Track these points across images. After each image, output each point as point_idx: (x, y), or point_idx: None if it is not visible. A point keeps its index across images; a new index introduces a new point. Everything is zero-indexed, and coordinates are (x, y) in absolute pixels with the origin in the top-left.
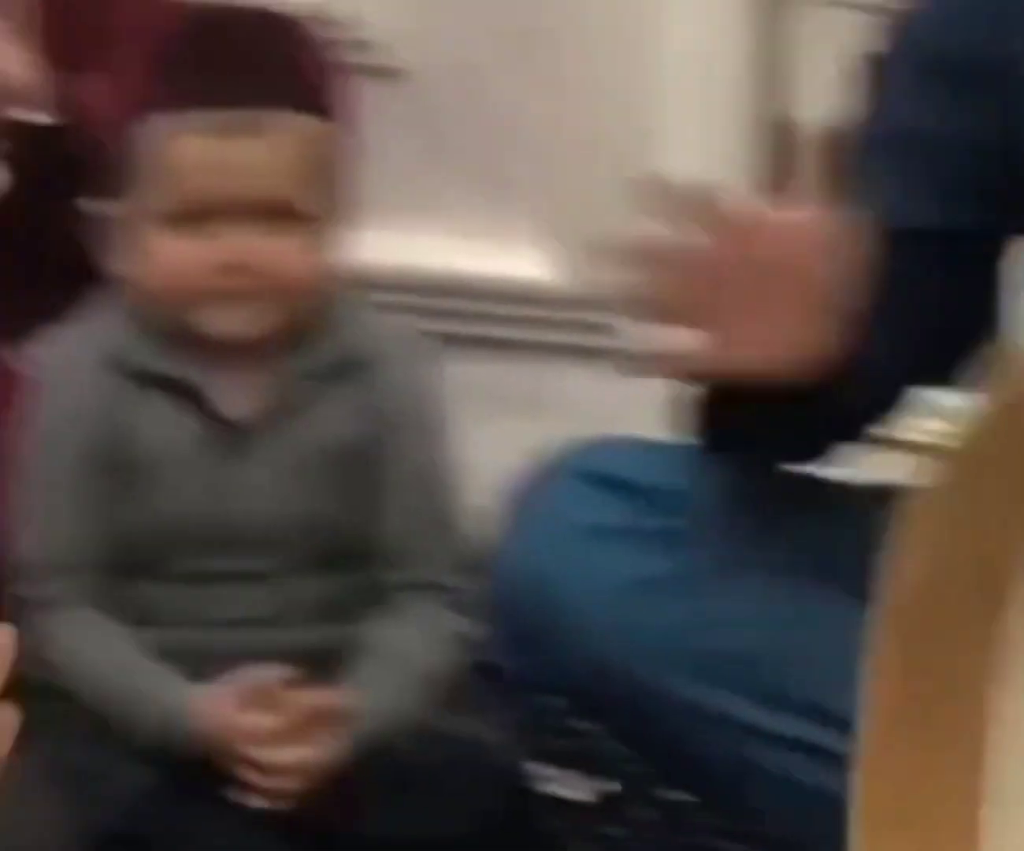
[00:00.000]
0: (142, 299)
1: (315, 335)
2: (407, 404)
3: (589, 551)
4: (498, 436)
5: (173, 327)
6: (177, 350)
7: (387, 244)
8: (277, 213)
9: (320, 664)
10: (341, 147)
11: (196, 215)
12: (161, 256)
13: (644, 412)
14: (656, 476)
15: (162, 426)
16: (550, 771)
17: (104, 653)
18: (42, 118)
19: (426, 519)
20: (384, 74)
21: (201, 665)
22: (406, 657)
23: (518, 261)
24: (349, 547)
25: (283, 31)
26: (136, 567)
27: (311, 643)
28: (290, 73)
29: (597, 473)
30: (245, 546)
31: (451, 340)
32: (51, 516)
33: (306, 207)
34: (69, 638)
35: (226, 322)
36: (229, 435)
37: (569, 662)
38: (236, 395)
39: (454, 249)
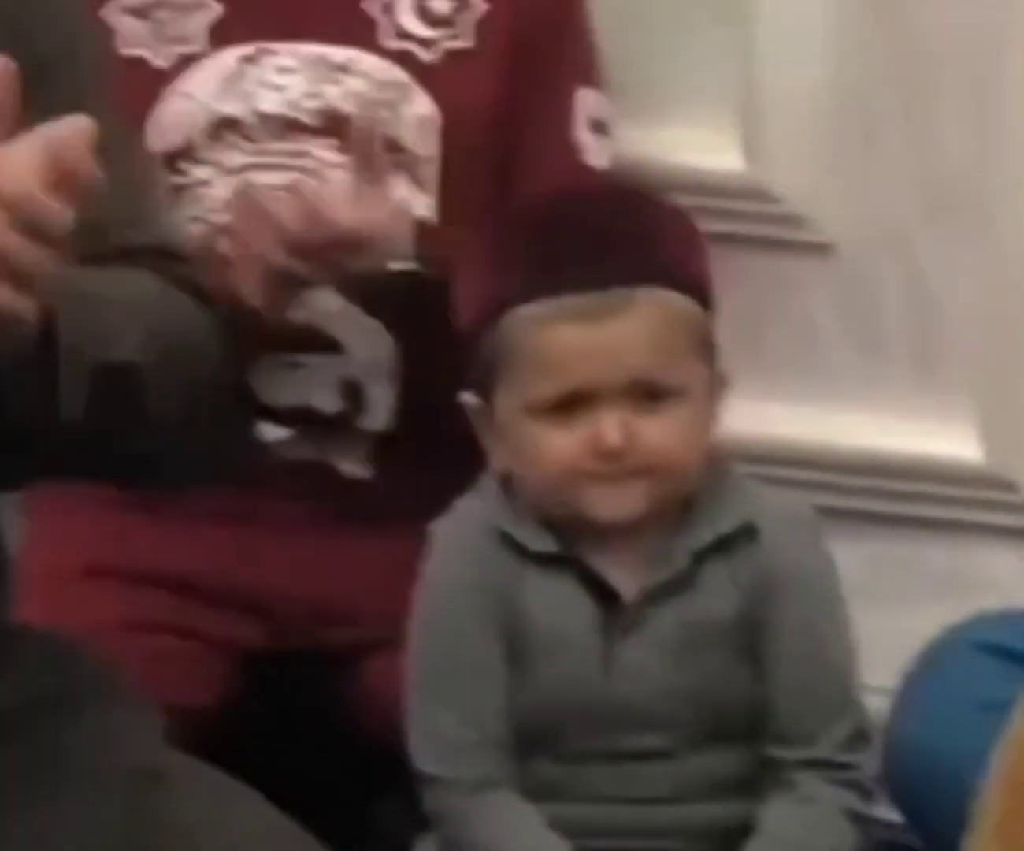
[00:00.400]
0: (523, 486)
1: (701, 508)
2: (794, 577)
3: (984, 726)
4: (921, 615)
5: (556, 511)
6: (562, 530)
7: (810, 419)
8: (650, 391)
9: (717, 841)
10: (709, 318)
11: (570, 401)
12: (538, 446)
13: None
14: None
15: (553, 604)
16: None
17: (523, 836)
18: (412, 267)
19: (819, 695)
20: (813, 249)
21: (589, 840)
22: (804, 841)
23: (945, 440)
24: (740, 723)
25: (641, 206)
26: (531, 745)
27: (708, 820)
28: (653, 249)
29: (998, 645)
30: (636, 725)
31: (871, 518)
32: (463, 689)
33: (679, 382)
34: (488, 819)
35: (609, 506)
36: (617, 612)
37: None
38: (623, 572)
39: (881, 428)
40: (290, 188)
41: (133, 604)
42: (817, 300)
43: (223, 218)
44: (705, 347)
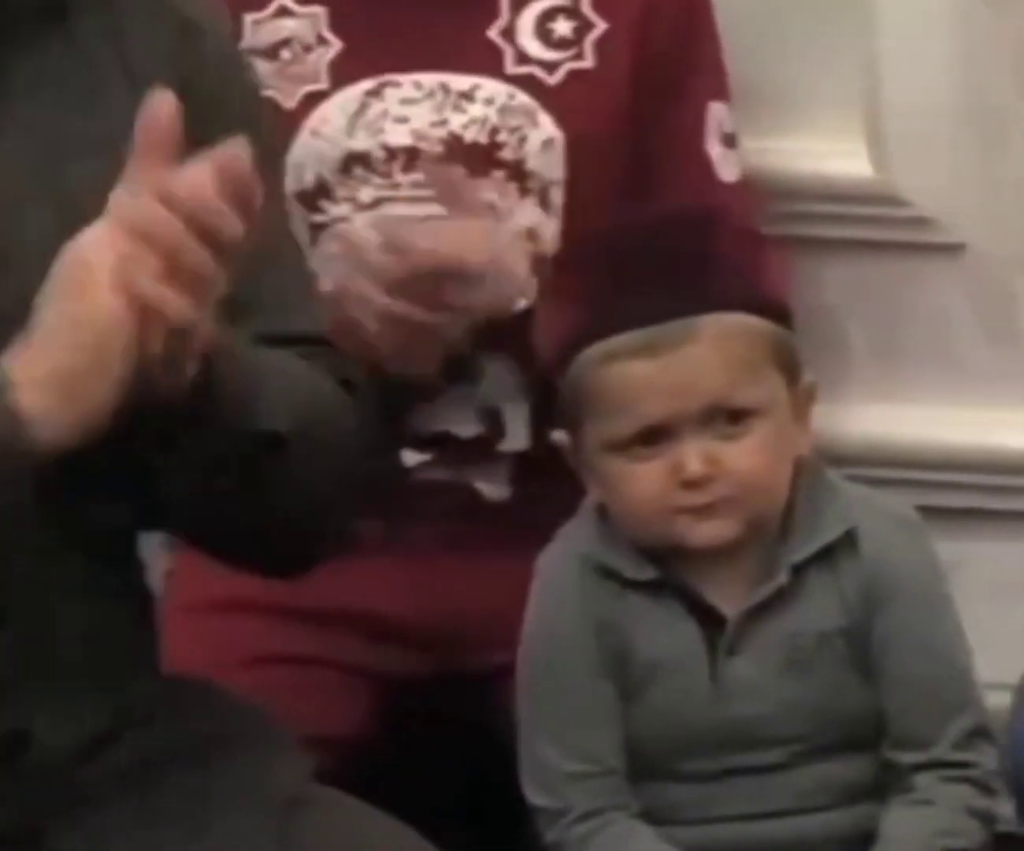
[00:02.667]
0: (617, 518)
1: (800, 519)
2: (899, 581)
3: None
4: None
5: (652, 542)
6: (660, 556)
7: (948, 420)
8: (729, 415)
9: (840, 849)
10: (783, 332)
11: (647, 436)
12: (623, 484)
13: None
14: None
15: (657, 630)
16: None
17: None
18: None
19: (933, 696)
20: (944, 250)
21: None
22: (925, 843)
23: None
24: (859, 731)
25: (701, 231)
26: (648, 770)
27: (832, 829)
28: (714, 274)
29: None
30: (750, 742)
31: (1020, 518)
32: (571, 723)
33: (756, 402)
34: (605, 843)
35: (703, 534)
36: (722, 632)
37: None
38: (724, 592)
39: (1019, 425)
40: (384, 235)
41: (276, 636)
42: (951, 301)
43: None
44: (782, 361)
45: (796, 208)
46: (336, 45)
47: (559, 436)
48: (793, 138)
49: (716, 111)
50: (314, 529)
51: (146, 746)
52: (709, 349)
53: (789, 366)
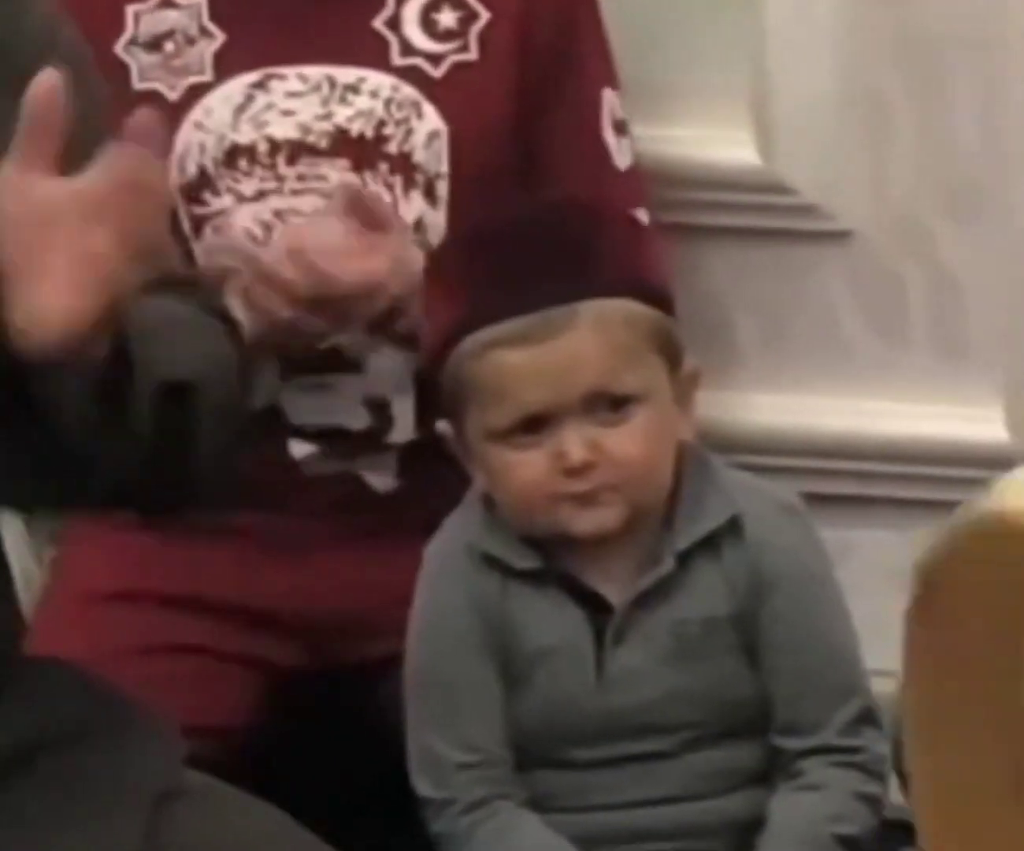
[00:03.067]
0: (502, 508)
1: (685, 507)
2: (783, 568)
3: None
4: None
5: (536, 531)
6: (545, 544)
7: (836, 408)
8: (610, 402)
9: (733, 836)
10: (663, 318)
11: (528, 425)
12: (506, 473)
13: None
14: None
15: (542, 619)
16: None
17: (524, 844)
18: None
19: (819, 683)
20: (830, 237)
21: (603, 848)
22: (812, 829)
23: (972, 423)
24: (747, 718)
25: (576, 219)
26: (534, 758)
27: (721, 816)
28: (589, 262)
29: None
30: (635, 730)
31: (903, 504)
32: (458, 713)
33: (637, 388)
34: (489, 835)
35: (587, 522)
36: (608, 621)
37: None
38: (610, 580)
39: (906, 413)
40: (291, 250)
41: (163, 627)
42: (837, 289)
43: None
44: (663, 347)
45: (684, 196)
46: (219, 37)
47: (443, 426)
48: (681, 126)
49: (609, 98)
50: (208, 472)
51: (5, 733)
52: (589, 336)
53: (670, 352)
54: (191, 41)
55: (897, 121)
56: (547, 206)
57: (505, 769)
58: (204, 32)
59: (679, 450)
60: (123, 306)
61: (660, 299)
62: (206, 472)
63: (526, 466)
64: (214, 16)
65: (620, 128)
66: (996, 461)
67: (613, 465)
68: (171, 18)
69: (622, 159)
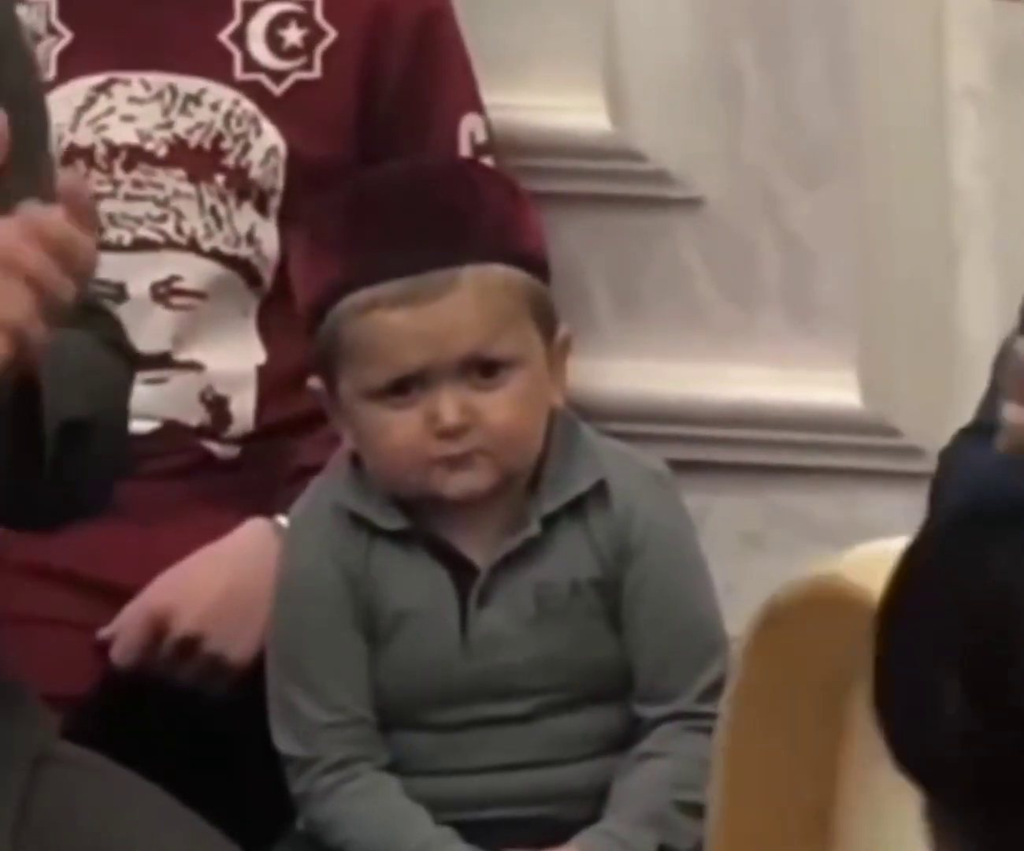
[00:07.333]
0: (372, 467)
1: (552, 471)
2: (648, 534)
3: None
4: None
5: (405, 491)
6: (412, 505)
7: (691, 374)
8: (485, 366)
9: (595, 801)
10: (540, 285)
11: (403, 385)
12: (378, 433)
13: None
14: None
15: (407, 580)
16: None
17: (379, 807)
18: None
19: (679, 650)
20: (683, 204)
21: (464, 811)
22: (654, 795)
23: (825, 388)
24: (611, 683)
25: (458, 182)
26: (396, 719)
27: (578, 782)
28: (470, 226)
29: None
30: (498, 693)
31: (755, 469)
32: (321, 673)
33: (513, 354)
34: (347, 795)
35: (457, 484)
36: (473, 583)
37: None
38: (476, 542)
39: (761, 378)
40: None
41: (9, 596)
42: (691, 255)
43: None
44: (540, 314)
45: (536, 163)
46: (66, 36)
47: (314, 383)
48: (532, 94)
49: (468, 124)
50: (93, 497)
51: None
52: (469, 300)
53: (546, 319)
54: (38, 38)
55: (748, 87)
56: (429, 169)
57: (368, 730)
58: (52, 30)
59: (550, 416)
60: (27, 354)
61: (538, 266)
62: (90, 497)
63: (399, 426)
64: (63, 15)
65: (482, 151)
66: (849, 425)
67: (486, 429)
68: (20, 14)
69: None
